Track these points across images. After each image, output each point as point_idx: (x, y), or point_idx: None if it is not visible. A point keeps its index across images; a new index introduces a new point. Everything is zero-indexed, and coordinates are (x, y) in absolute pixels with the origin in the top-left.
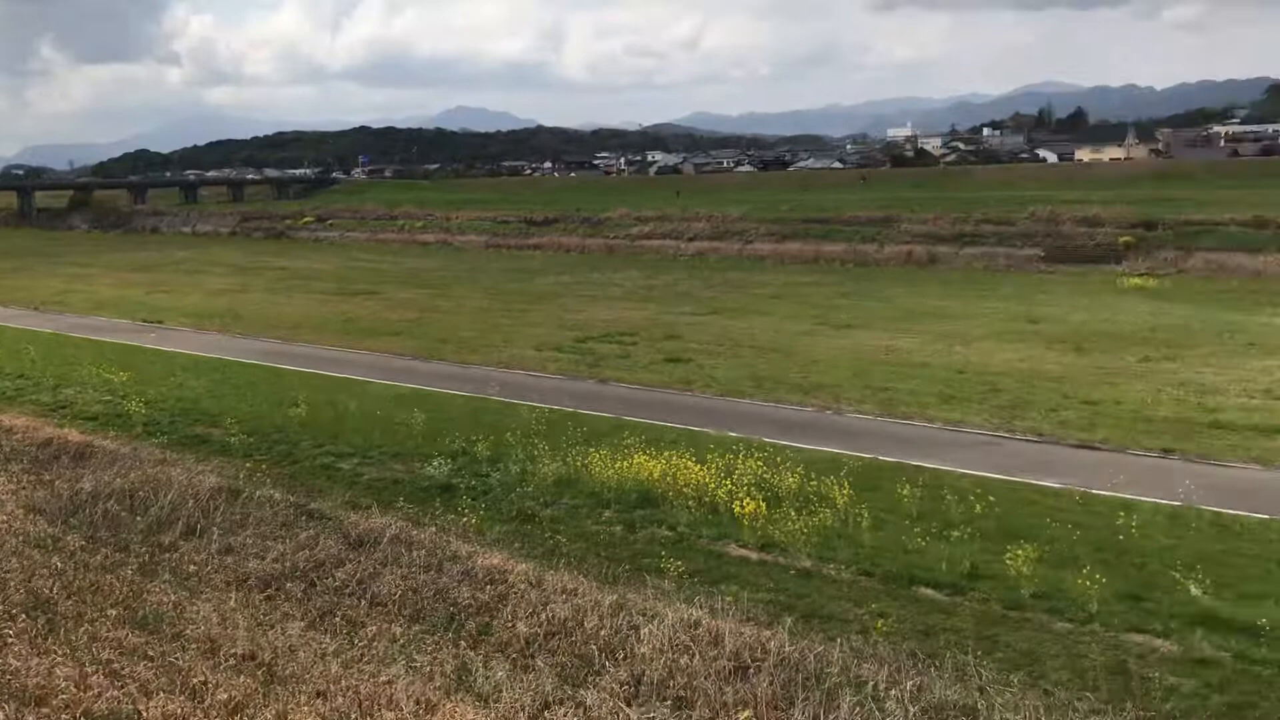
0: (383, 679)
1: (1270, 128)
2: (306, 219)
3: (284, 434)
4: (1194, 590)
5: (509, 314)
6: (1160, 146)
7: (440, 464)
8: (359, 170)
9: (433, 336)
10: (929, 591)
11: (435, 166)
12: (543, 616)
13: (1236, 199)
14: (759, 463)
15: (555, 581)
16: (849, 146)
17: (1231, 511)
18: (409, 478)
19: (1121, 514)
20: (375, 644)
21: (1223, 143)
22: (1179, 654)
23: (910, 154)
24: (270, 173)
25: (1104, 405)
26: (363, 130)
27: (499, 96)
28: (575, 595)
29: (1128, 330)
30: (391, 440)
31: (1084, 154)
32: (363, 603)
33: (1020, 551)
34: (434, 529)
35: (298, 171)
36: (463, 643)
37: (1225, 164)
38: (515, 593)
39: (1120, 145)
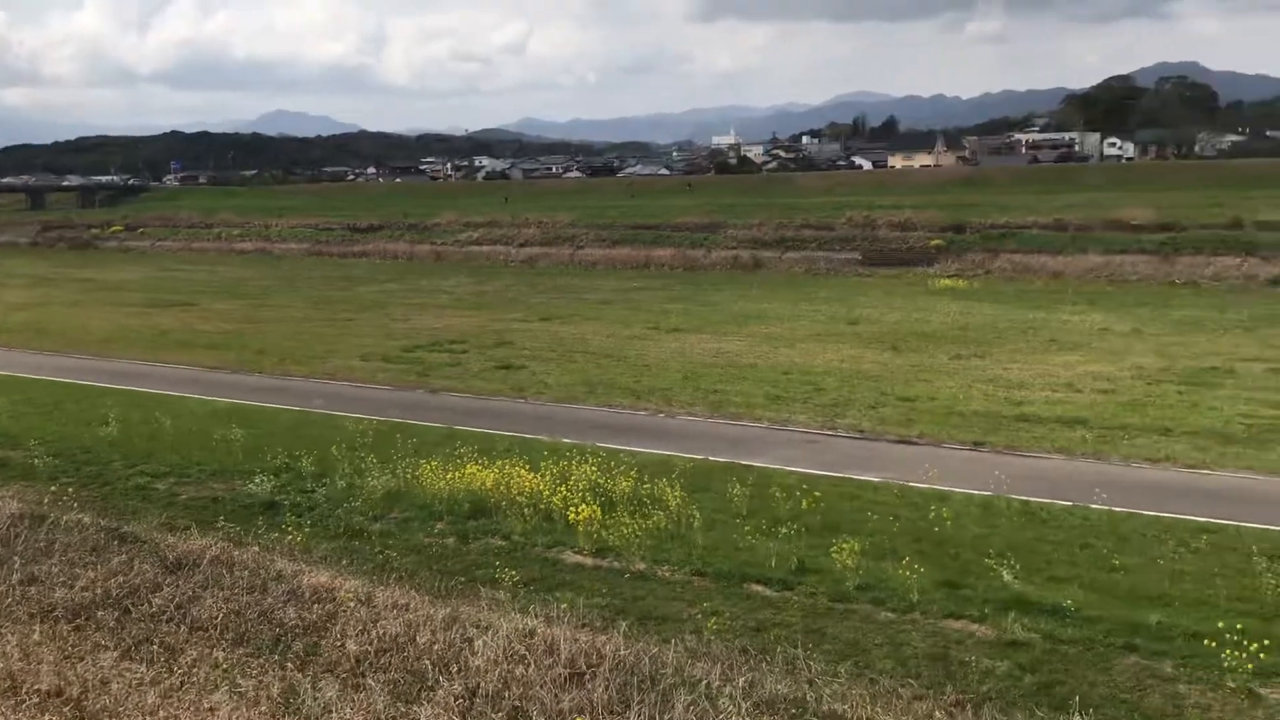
0: (205, 706)
1: (1067, 136)
2: (115, 228)
3: (93, 455)
4: (1006, 576)
5: (333, 324)
6: (967, 154)
7: (263, 481)
8: (171, 177)
9: (252, 348)
10: (759, 588)
11: (253, 173)
12: (373, 634)
13: (1037, 203)
14: (593, 468)
15: (386, 597)
16: (675, 153)
17: (1038, 500)
18: (230, 496)
19: (938, 505)
20: (196, 671)
21: (1024, 150)
22: (993, 637)
23: (734, 161)
24: (74, 179)
25: (919, 401)
26: (175, 135)
27: (320, 100)
28: (407, 610)
29: (940, 329)
30: (210, 458)
31: (897, 161)
32: (182, 628)
33: (845, 545)
34: (257, 548)
35: (104, 178)
36: (289, 665)
37: (1026, 170)
38: (344, 611)
39: (930, 153)
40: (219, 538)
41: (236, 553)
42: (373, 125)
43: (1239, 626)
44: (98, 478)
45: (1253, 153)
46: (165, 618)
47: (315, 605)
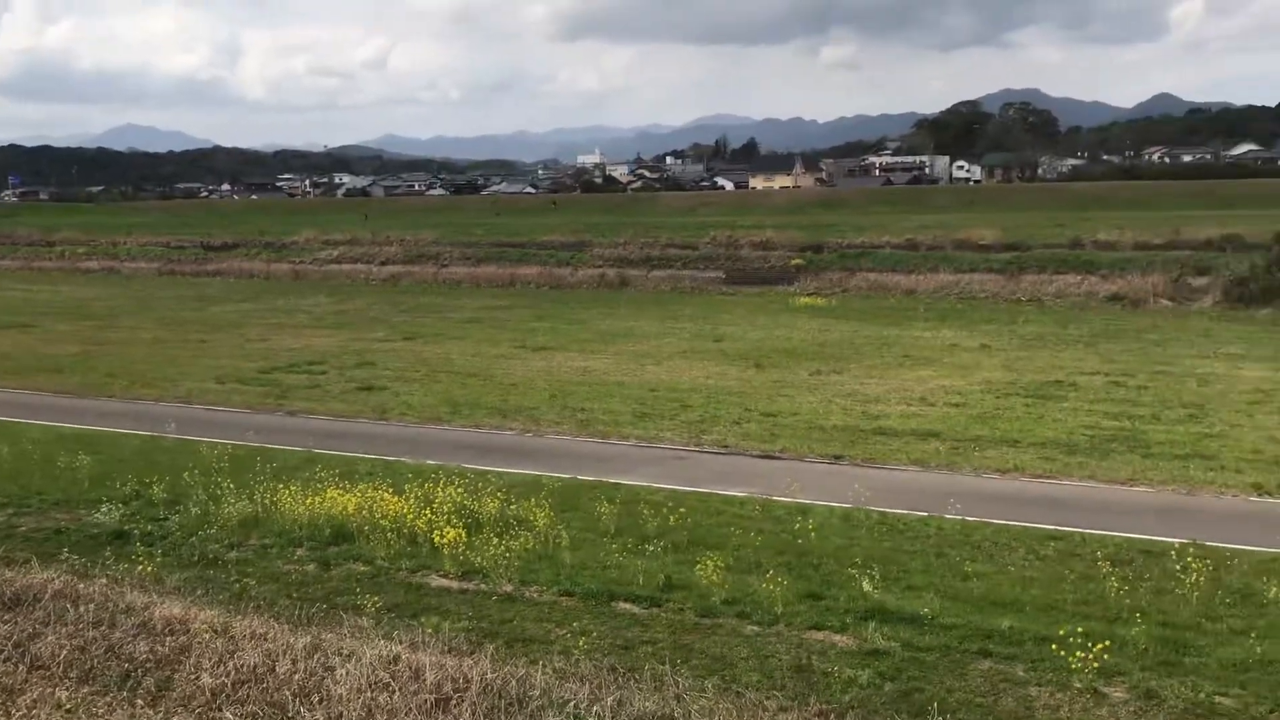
0: None
1: (918, 159)
2: None
3: None
4: (866, 586)
5: (186, 345)
6: (825, 175)
7: (110, 509)
8: (9, 192)
9: (100, 371)
10: (628, 606)
11: (100, 189)
12: (230, 666)
13: (890, 223)
14: (459, 489)
15: (244, 627)
16: (540, 172)
17: (895, 511)
18: (74, 526)
19: (800, 518)
20: (36, 712)
21: (878, 172)
22: (855, 647)
23: (599, 180)
24: None
25: (782, 417)
26: (13, 148)
27: (172, 115)
28: (266, 640)
29: (800, 346)
30: (53, 487)
31: (757, 182)
32: (20, 668)
33: (711, 560)
34: (105, 580)
35: None
36: (139, 701)
37: (880, 192)
38: (199, 643)
39: (789, 174)
40: (62, 570)
41: (81, 586)
42: (228, 141)
43: (1084, 630)
44: None
45: (1091, 176)
46: (2, 657)
47: (168, 638)
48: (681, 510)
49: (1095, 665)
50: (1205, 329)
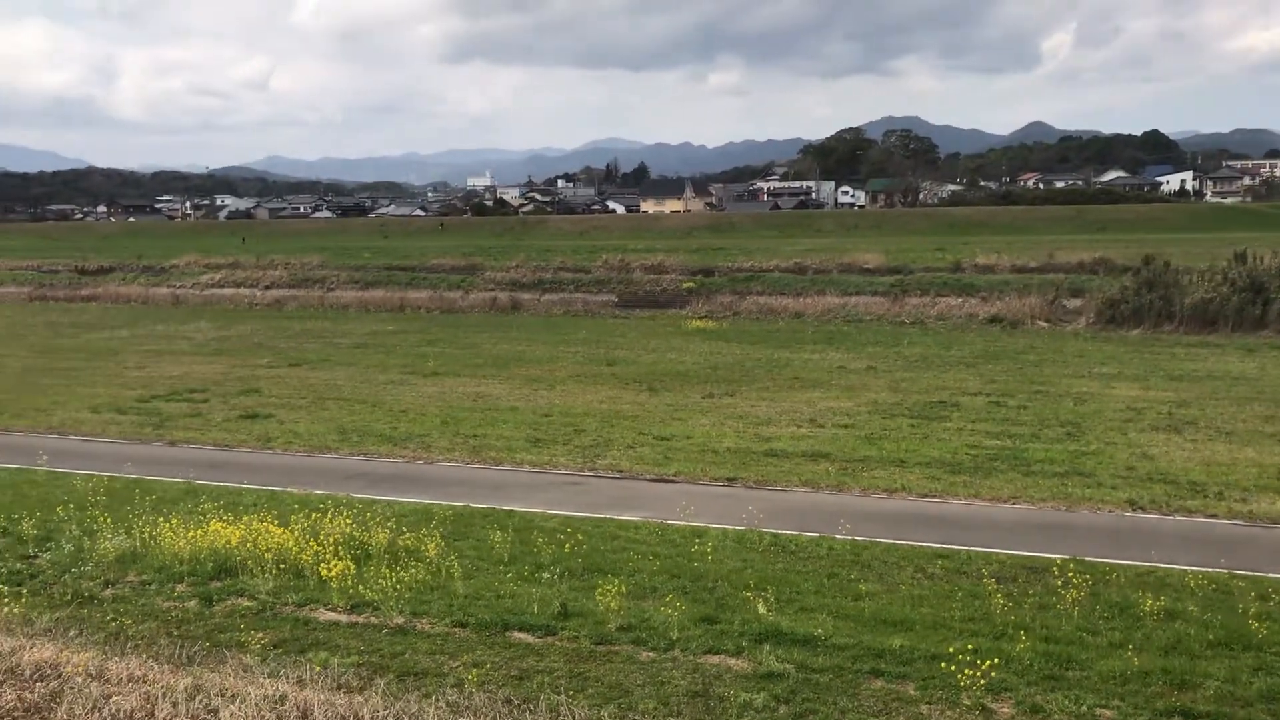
0: None
1: (804, 184)
2: None
3: None
4: (761, 608)
5: (59, 373)
6: (714, 200)
7: None
8: None
9: None
10: (522, 635)
11: None
12: (106, 711)
13: (778, 247)
14: (347, 520)
15: (120, 669)
16: (430, 194)
17: (788, 532)
18: None
19: (696, 541)
20: None
21: (766, 197)
22: (750, 670)
23: (490, 203)
24: None
25: (676, 440)
26: None
27: (43, 135)
28: (144, 682)
29: (693, 369)
30: None
31: (649, 206)
32: None
33: (607, 586)
34: None
35: None
36: None
37: (768, 216)
38: (71, 688)
39: (680, 198)
40: None
41: None
42: (103, 161)
43: (972, 646)
44: None
45: (970, 201)
46: None
47: (38, 684)
48: (578, 536)
49: (983, 682)
50: (1080, 349)
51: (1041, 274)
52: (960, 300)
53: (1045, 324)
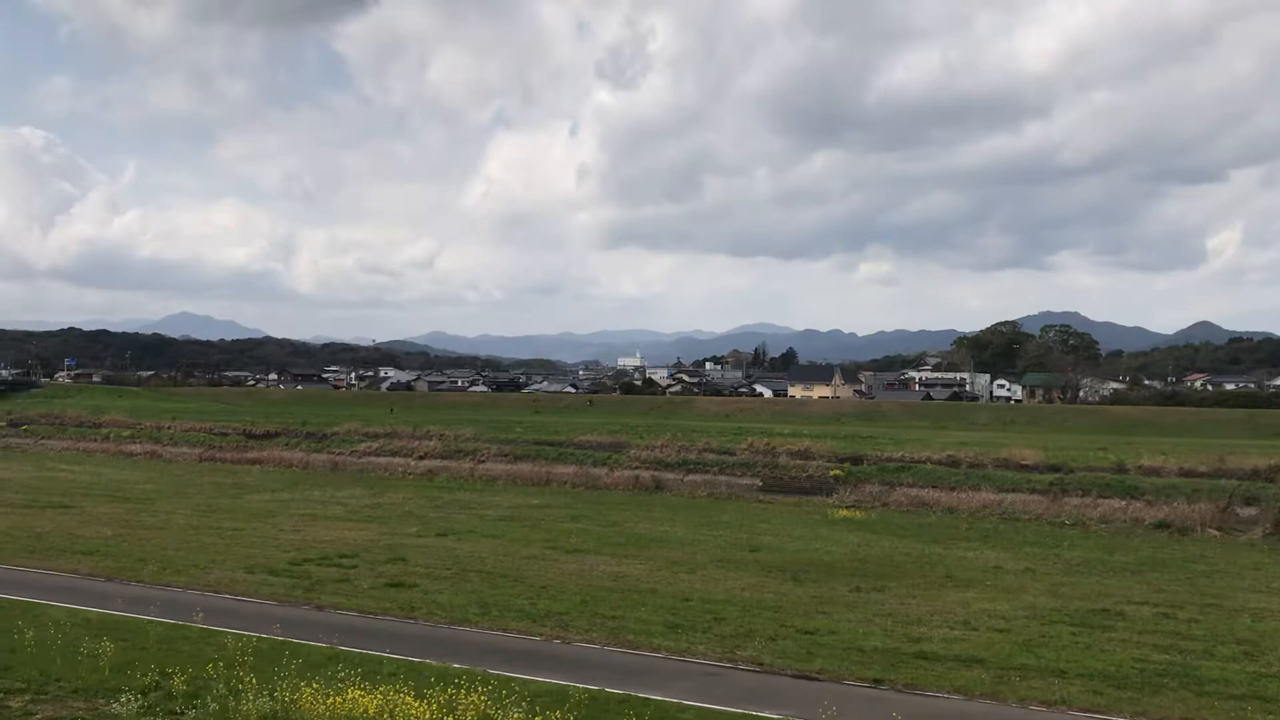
0: None
1: (958, 375)
2: None
3: None
4: None
5: (219, 532)
6: (863, 388)
7: (129, 700)
8: (64, 374)
9: (132, 555)
10: None
11: (150, 373)
12: None
13: (930, 438)
14: (482, 696)
15: None
16: (581, 372)
17: None
18: (91, 716)
19: None
20: None
21: (917, 386)
22: None
23: (639, 383)
24: None
25: (820, 635)
26: (72, 331)
27: (225, 305)
28: None
29: (840, 560)
30: (73, 673)
31: (796, 391)
32: None
33: None
34: None
35: None
36: None
37: (920, 406)
38: None
39: (828, 385)
40: None
41: None
42: (279, 331)
43: None
44: None
45: (1133, 400)
46: None
47: None
48: None
49: None
50: (1256, 561)
51: (1212, 479)
52: (1124, 503)
53: (1217, 532)
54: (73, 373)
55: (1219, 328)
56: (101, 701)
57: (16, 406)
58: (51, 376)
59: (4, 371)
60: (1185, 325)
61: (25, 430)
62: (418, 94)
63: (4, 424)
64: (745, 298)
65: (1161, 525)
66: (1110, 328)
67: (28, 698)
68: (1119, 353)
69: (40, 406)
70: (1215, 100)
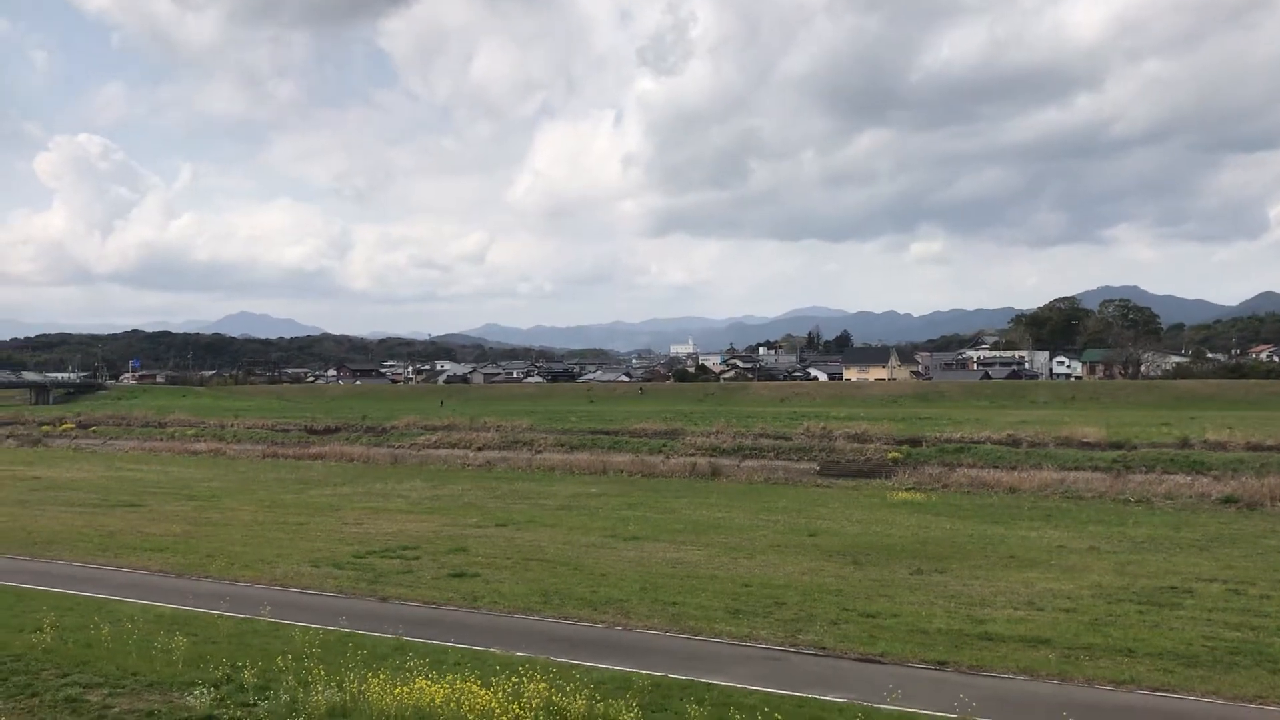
0: None
1: (1017, 353)
2: (66, 425)
3: (23, 663)
4: None
5: (284, 527)
6: (920, 369)
7: (202, 693)
8: (129, 375)
9: (200, 552)
10: None
11: (212, 373)
12: None
13: (989, 418)
14: (546, 684)
15: None
16: (634, 361)
17: None
18: (166, 709)
19: None
20: None
21: (975, 366)
22: None
23: (692, 370)
24: (30, 375)
25: (882, 618)
26: (136, 334)
27: (283, 303)
28: None
29: (900, 543)
30: (148, 667)
31: (851, 374)
32: None
33: None
34: None
35: (61, 375)
36: None
37: (978, 385)
38: None
39: (884, 366)
40: None
41: None
42: (336, 328)
43: None
44: (26, 688)
45: (1196, 374)
46: None
47: None
48: (777, 716)
49: None
50: None
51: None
52: (1190, 479)
53: None
54: (137, 374)
55: None
56: (176, 695)
57: (85, 408)
58: (117, 378)
59: (72, 374)
60: (1249, 296)
61: (94, 431)
62: (462, 88)
63: (73, 425)
64: (796, 281)
65: (1229, 500)
66: (1171, 300)
67: (105, 691)
68: (1180, 326)
69: (107, 408)
70: (1272, 65)
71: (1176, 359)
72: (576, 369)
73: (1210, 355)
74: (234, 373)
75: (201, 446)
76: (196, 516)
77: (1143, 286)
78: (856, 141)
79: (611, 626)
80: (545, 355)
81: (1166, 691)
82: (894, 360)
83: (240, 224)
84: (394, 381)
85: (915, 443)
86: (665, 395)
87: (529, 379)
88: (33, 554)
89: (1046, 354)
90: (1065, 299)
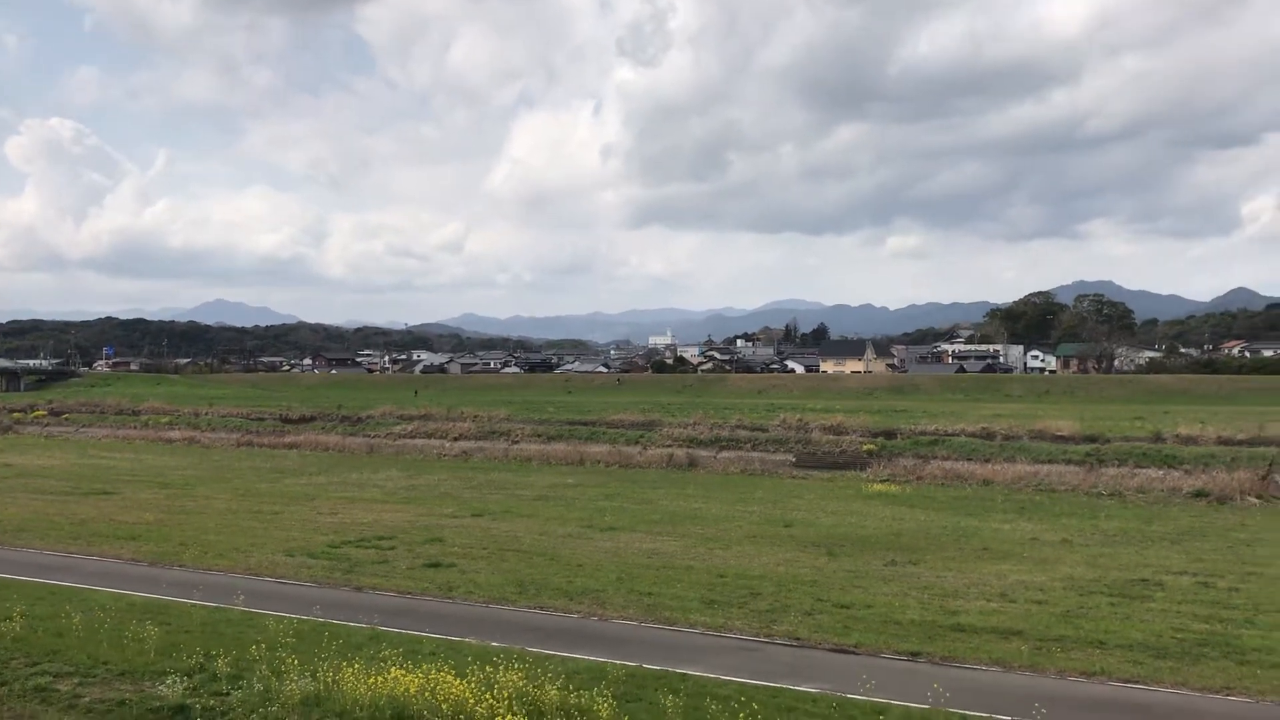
0: None
1: (992, 347)
2: (38, 412)
3: None
4: None
5: (259, 516)
6: (896, 362)
7: (174, 682)
8: (102, 362)
9: (173, 540)
10: None
11: (187, 361)
12: None
13: (964, 411)
14: (520, 675)
15: None
16: (612, 352)
17: (976, 714)
18: (137, 698)
19: (878, 718)
20: None
21: (950, 359)
22: None
23: (670, 361)
24: (0, 362)
25: (856, 609)
26: (109, 320)
27: (258, 291)
28: None
29: (874, 534)
30: (120, 656)
31: (828, 366)
32: None
33: None
34: None
35: (32, 362)
36: None
37: (953, 379)
38: None
39: (860, 359)
40: None
41: None
42: (311, 317)
43: None
44: None
45: (1169, 369)
46: None
47: None
48: (752, 706)
49: None
50: None
51: (1251, 447)
52: (1162, 472)
53: (1257, 500)
54: (111, 361)
55: (1256, 294)
56: (148, 684)
57: (57, 395)
58: (90, 365)
59: (44, 362)
60: (1222, 292)
61: (66, 418)
62: (441, 76)
63: (45, 413)
64: (774, 274)
65: (1200, 494)
66: (1145, 296)
67: (76, 680)
68: (1154, 321)
69: (80, 395)
70: (1248, 62)
71: (1150, 354)
72: (554, 359)
73: (1183, 350)
74: (209, 361)
75: (176, 434)
76: (170, 505)
77: (1117, 281)
78: (835, 134)
79: (587, 617)
80: (523, 345)
81: (1136, 683)
82: (870, 353)
83: (216, 211)
84: (370, 371)
85: (890, 435)
86: (643, 386)
87: (506, 369)
88: (2, 542)
89: (1021, 348)
90: (1040, 293)
